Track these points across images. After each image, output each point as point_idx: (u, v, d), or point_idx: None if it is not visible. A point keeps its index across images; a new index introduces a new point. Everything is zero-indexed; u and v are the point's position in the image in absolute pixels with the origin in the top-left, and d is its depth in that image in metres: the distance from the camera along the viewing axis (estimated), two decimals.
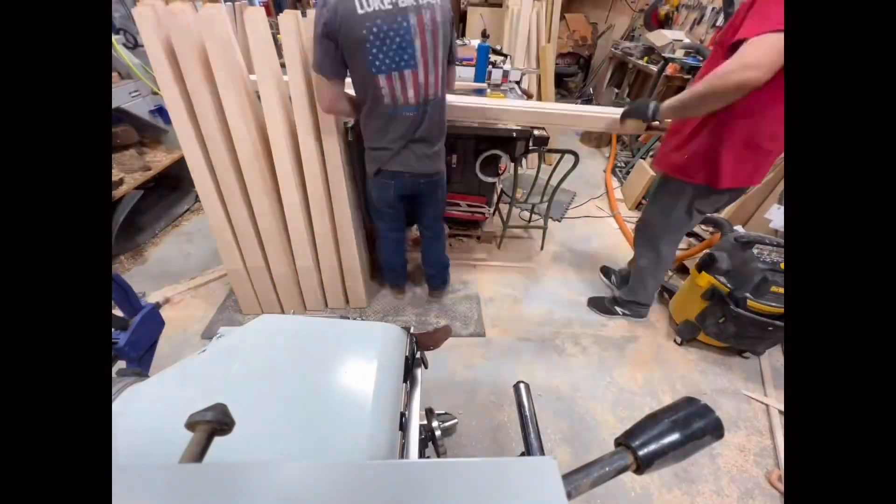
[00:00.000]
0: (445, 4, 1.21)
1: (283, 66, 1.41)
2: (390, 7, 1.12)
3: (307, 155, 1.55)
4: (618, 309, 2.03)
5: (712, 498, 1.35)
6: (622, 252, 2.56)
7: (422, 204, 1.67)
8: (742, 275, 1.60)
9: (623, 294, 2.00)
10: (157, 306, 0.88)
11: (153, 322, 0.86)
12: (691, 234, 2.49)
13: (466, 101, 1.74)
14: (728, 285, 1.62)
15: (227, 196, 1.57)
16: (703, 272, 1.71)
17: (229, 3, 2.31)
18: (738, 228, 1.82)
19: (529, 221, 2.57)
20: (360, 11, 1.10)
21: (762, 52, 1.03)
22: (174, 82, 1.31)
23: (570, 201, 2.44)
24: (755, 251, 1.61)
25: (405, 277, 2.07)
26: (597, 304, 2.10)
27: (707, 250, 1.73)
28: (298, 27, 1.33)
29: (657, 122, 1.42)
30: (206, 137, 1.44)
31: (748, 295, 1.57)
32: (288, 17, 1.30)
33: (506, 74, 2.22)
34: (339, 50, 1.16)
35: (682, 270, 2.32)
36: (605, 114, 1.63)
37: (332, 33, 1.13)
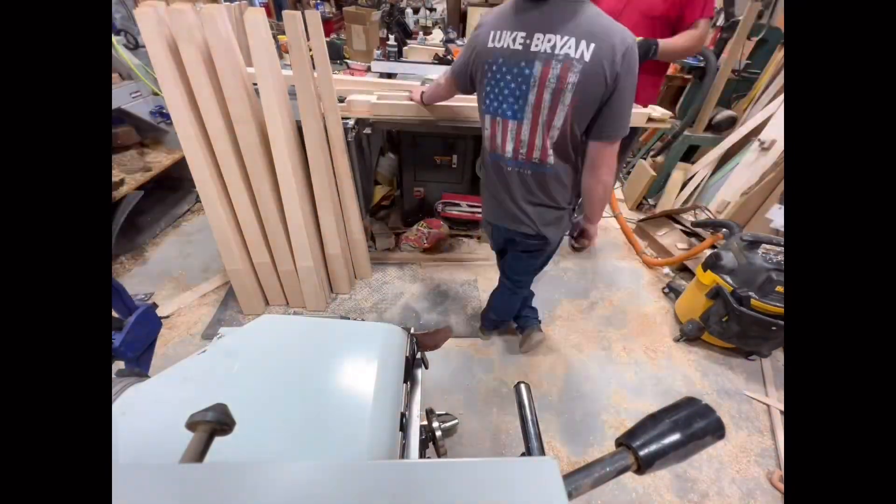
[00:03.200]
0: (600, 69, 0.92)
1: (286, 66, 1.42)
2: (519, 48, 0.98)
3: (311, 154, 1.56)
4: None
5: (713, 498, 1.35)
6: (622, 251, 2.56)
7: (514, 258, 1.47)
8: (747, 274, 1.60)
9: None
10: (154, 306, 0.88)
11: (149, 322, 0.86)
12: (692, 235, 2.49)
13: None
14: (732, 284, 1.62)
15: (227, 196, 1.57)
16: (709, 271, 1.71)
17: (229, 4, 2.31)
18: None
19: None
20: (489, 45, 1.02)
21: (704, 30, 1.62)
22: (175, 83, 1.31)
23: None
24: (761, 251, 1.61)
25: (499, 326, 1.88)
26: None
27: (713, 249, 1.73)
28: (302, 26, 1.34)
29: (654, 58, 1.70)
30: (206, 138, 1.44)
31: (752, 294, 1.57)
32: (292, 17, 1.32)
33: None
34: (470, 68, 1.13)
35: (685, 270, 2.32)
36: None
37: (471, 52, 1.09)
